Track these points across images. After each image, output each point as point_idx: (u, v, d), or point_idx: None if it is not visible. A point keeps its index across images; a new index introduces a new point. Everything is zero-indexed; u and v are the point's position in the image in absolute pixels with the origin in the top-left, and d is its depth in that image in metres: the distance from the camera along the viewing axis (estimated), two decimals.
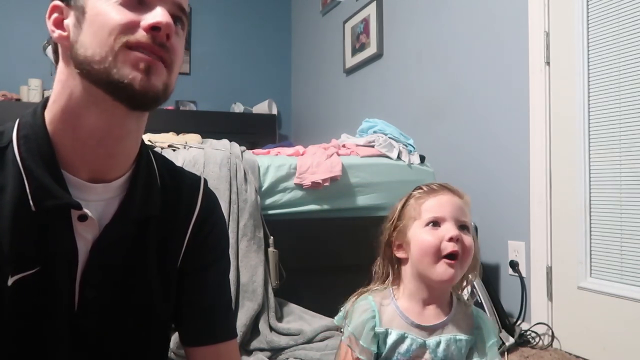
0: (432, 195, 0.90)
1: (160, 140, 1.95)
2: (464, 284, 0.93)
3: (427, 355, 0.86)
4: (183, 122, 3.60)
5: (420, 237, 0.88)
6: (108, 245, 0.66)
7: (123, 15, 0.60)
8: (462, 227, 0.88)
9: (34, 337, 0.64)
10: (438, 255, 0.85)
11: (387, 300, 0.90)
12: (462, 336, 0.88)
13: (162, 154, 1.72)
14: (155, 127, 2.85)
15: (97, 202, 0.66)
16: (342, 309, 0.94)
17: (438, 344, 0.86)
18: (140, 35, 0.60)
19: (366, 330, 0.86)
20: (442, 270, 0.85)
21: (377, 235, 0.98)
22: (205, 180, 0.82)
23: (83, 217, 0.64)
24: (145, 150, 0.73)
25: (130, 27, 0.60)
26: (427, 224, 0.87)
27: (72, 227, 0.64)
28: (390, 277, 0.94)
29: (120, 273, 0.68)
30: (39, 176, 0.61)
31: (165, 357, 0.80)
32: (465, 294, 1.74)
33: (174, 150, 1.78)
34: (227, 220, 1.60)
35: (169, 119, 3.59)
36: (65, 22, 0.65)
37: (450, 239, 0.84)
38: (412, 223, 0.90)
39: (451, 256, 0.85)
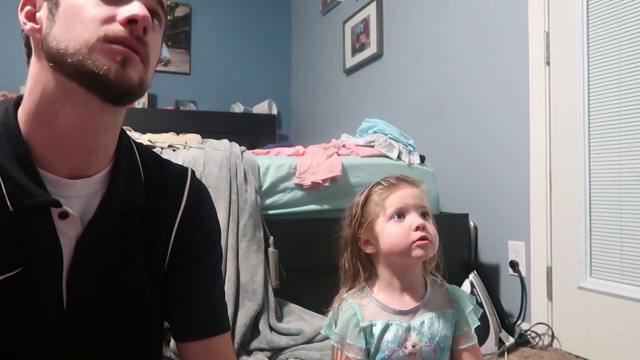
0: (393, 189, 0.95)
1: (160, 140, 1.95)
2: (433, 264, 0.98)
3: (414, 337, 0.90)
4: (183, 122, 3.61)
5: (388, 230, 0.92)
6: (92, 241, 0.65)
7: (100, 9, 0.59)
8: (424, 214, 0.94)
9: (25, 338, 0.63)
10: (408, 243, 0.90)
11: (365, 299, 0.94)
12: (443, 311, 0.93)
13: (162, 153, 1.70)
14: (155, 127, 2.88)
15: (79, 198, 0.65)
16: (327, 317, 0.97)
17: (422, 323, 0.91)
18: (117, 28, 0.59)
19: (351, 327, 0.90)
20: (416, 252, 0.90)
21: (335, 233, 1.02)
22: (193, 172, 0.80)
23: (64, 215, 0.62)
24: (126, 142, 0.72)
25: (106, 21, 0.59)
26: (392, 217, 0.92)
27: (54, 226, 0.62)
28: (362, 274, 0.98)
29: (107, 268, 0.67)
30: (14, 175, 0.60)
31: (159, 352, 0.78)
32: (466, 288, 1.75)
33: (174, 150, 1.78)
34: (227, 220, 1.60)
35: (169, 119, 3.60)
36: (38, 14, 0.63)
37: (417, 228, 0.90)
38: (377, 219, 0.94)
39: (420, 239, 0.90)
